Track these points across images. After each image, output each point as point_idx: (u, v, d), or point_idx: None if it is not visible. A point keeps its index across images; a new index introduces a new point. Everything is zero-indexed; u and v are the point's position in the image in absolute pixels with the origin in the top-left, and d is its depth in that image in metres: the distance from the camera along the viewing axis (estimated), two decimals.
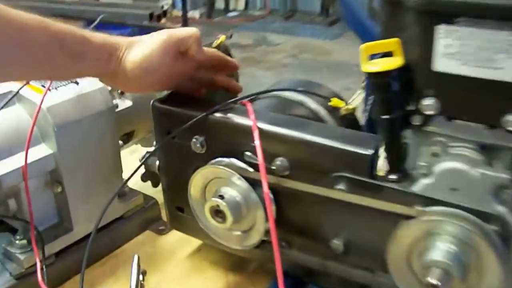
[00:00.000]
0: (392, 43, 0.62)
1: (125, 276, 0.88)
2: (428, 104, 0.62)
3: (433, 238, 0.64)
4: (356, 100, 2.04)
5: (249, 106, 0.77)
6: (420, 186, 0.66)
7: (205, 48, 0.85)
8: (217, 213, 0.77)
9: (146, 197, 1.07)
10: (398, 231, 0.66)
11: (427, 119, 0.64)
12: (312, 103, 0.86)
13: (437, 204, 0.63)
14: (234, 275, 0.93)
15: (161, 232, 1.05)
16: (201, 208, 0.82)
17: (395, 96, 0.63)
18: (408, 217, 0.65)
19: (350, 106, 0.86)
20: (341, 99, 0.89)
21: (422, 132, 0.65)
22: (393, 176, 0.67)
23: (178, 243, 1.02)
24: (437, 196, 0.63)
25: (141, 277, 0.85)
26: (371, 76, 0.63)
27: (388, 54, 0.63)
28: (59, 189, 0.89)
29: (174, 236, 1.03)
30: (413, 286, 0.68)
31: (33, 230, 0.86)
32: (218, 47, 1.14)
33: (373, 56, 0.65)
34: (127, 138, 1.06)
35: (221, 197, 0.77)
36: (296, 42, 5.16)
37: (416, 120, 0.64)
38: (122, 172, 0.98)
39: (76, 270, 0.85)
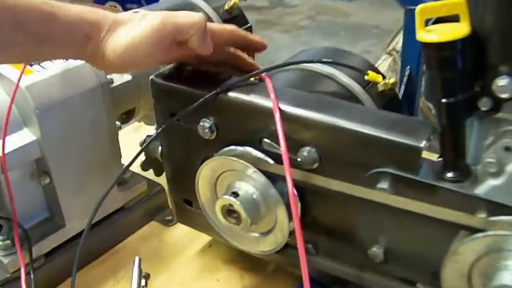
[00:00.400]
0: (458, 4, 0.47)
1: (126, 278, 0.77)
2: (503, 84, 0.47)
3: (503, 256, 0.50)
4: (381, 67, 1.90)
5: (269, 83, 0.63)
6: (486, 188, 0.52)
7: (222, 28, 0.70)
8: (230, 213, 0.64)
9: (151, 184, 0.94)
10: (457, 244, 0.52)
11: (500, 103, 0.49)
12: (344, 77, 0.72)
13: (508, 212, 0.49)
14: (251, 277, 0.81)
15: (168, 223, 0.93)
16: (211, 205, 0.69)
17: (459, 74, 0.49)
18: (470, 228, 0.51)
19: (390, 81, 0.71)
20: (378, 71, 0.74)
21: (492, 119, 0.51)
22: (450, 175, 0.53)
23: (187, 237, 0.89)
24: (509, 201, 0.50)
25: (143, 282, 0.73)
26: (427, 47, 0.48)
27: (450, 19, 0.48)
28: (47, 181, 0.76)
29: (183, 228, 0.90)
30: None
31: (16, 228, 0.74)
32: (231, 9, 1.00)
33: (427, 22, 0.50)
34: (127, 117, 0.93)
35: (235, 194, 0.63)
36: (313, 3, 4.95)
37: (485, 105, 0.50)
38: (121, 157, 0.85)
39: (71, 271, 0.73)
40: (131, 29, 0.61)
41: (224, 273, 0.82)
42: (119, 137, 0.86)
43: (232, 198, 0.63)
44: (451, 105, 0.50)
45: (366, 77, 0.72)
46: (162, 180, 0.92)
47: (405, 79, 1.00)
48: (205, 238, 0.88)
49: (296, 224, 0.57)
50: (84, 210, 0.76)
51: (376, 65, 1.98)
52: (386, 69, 1.80)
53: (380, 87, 0.72)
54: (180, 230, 0.91)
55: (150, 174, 0.94)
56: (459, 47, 0.47)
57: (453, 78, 0.49)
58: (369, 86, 0.72)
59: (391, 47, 1.94)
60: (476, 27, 0.48)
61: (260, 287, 0.79)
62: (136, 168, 0.93)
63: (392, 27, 2.87)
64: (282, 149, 0.58)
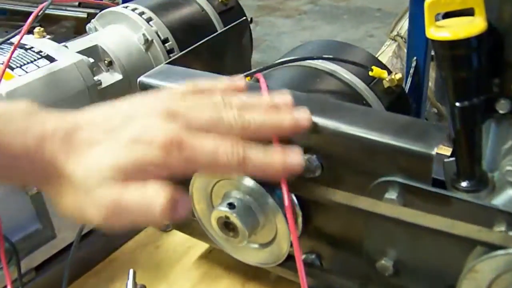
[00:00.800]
0: None
1: None
2: None
3: None
4: (386, 53, 1.84)
5: (263, 83, 0.58)
6: (505, 198, 0.47)
7: (262, 122, 0.49)
8: (226, 225, 0.60)
9: None
10: (474, 261, 0.47)
11: None
12: (347, 74, 0.67)
13: None
14: (254, 285, 0.76)
15: (165, 229, 0.88)
16: (207, 216, 0.65)
17: (475, 75, 0.44)
18: (488, 244, 0.47)
19: (396, 76, 0.66)
20: (383, 66, 0.69)
21: (511, 123, 0.46)
22: (465, 184, 0.48)
23: (185, 244, 0.85)
24: None
25: None
26: (439, 46, 0.43)
27: (464, 13, 0.43)
28: (34, 191, 0.72)
29: (180, 234, 0.86)
30: None
31: (2, 242, 0.69)
32: (226, 0, 0.95)
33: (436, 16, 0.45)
34: None
35: (231, 205, 0.59)
36: None
37: (503, 107, 0.45)
38: None
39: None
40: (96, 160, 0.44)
41: (226, 281, 0.77)
42: None
43: (228, 210, 0.58)
44: (466, 109, 0.45)
45: (370, 73, 0.67)
46: None
47: (411, 70, 0.95)
48: (204, 244, 0.83)
49: (294, 238, 0.52)
50: (75, 220, 0.72)
51: (380, 51, 1.91)
52: (391, 55, 1.74)
53: (386, 84, 0.67)
54: (178, 236, 0.86)
55: None
56: (475, 44, 0.42)
57: (468, 79, 0.44)
58: (373, 82, 0.67)
59: (395, 32, 1.87)
60: (493, 22, 0.42)
61: None
62: None
63: (394, 10, 2.80)
64: None
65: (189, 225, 0.74)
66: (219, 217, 0.59)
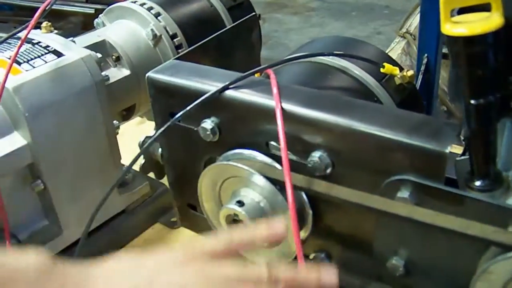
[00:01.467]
0: None
1: None
2: None
3: None
4: (395, 51, 1.82)
5: (273, 78, 0.57)
6: None
7: None
8: (235, 222, 0.59)
9: (154, 184, 0.89)
10: (488, 263, 0.46)
11: None
12: (358, 70, 0.66)
13: None
14: None
15: (173, 226, 0.88)
16: (215, 213, 0.64)
17: (491, 72, 0.42)
18: (502, 244, 0.46)
19: (408, 73, 0.65)
20: (395, 63, 0.68)
21: None
22: (480, 183, 0.47)
23: (193, 241, 0.84)
24: None
25: None
26: (454, 42, 0.42)
27: (480, 8, 0.42)
28: (41, 187, 0.71)
29: (188, 231, 0.86)
30: None
31: (8, 239, 0.69)
32: None
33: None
34: (127, 114, 0.88)
35: (240, 203, 0.58)
36: None
37: None
38: (120, 158, 0.80)
39: None
40: None
41: None
42: (119, 131, 0.81)
43: (237, 208, 0.57)
44: (481, 107, 0.44)
45: (381, 70, 0.66)
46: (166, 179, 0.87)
47: (422, 67, 0.94)
48: None
49: (296, 237, 0.52)
50: (82, 216, 0.72)
51: (389, 48, 1.89)
52: (400, 52, 1.73)
53: (397, 81, 0.66)
54: (186, 233, 0.86)
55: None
56: (491, 40, 0.41)
57: (484, 76, 0.43)
58: (385, 79, 0.66)
59: (404, 29, 1.86)
60: (510, 17, 0.41)
61: None
62: (138, 167, 0.88)
63: (403, 7, 2.78)
64: (282, 147, 0.53)
65: (197, 222, 0.73)
66: (228, 214, 0.58)
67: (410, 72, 0.66)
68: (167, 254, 0.47)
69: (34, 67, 0.69)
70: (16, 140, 0.68)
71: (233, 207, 0.58)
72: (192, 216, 0.73)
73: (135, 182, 0.85)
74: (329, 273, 0.45)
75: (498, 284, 0.47)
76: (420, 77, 0.93)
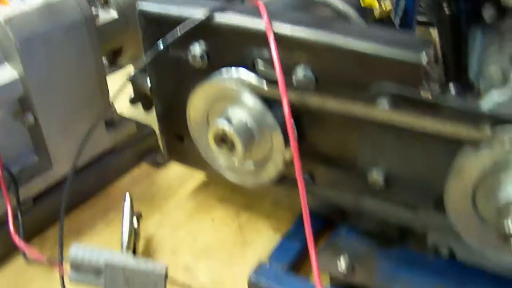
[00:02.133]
0: None
1: (117, 220, 0.74)
2: None
3: (509, 172, 0.48)
4: None
5: (262, 5, 0.60)
6: (490, 101, 0.50)
7: None
8: (223, 141, 0.62)
9: (140, 126, 0.92)
10: (461, 160, 0.50)
11: (505, 13, 0.47)
12: (339, 3, 0.68)
13: None
14: (248, 215, 0.79)
15: (159, 165, 0.90)
16: (203, 136, 0.67)
17: None
18: (474, 142, 0.49)
19: (387, 6, 0.69)
20: None
21: (497, 30, 0.48)
22: (452, 89, 0.51)
23: (179, 178, 0.87)
24: None
25: (135, 221, 0.71)
26: None
27: None
28: (32, 120, 0.73)
29: (175, 169, 0.89)
30: (474, 228, 0.53)
31: (1, 170, 0.71)
32: None
33: None
34: (114, 56, 0.89)
35: (228, 120, 0.61)
36: None
37: (489, 14, 0.47)
38: (108, 95, 0.82)
39: (60, 215, 0.71)
40: None
41: (219, 212, 0.80)
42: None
43: (226, 124, 0.60)
44: (454, 17, 0.47)
45: (362, 4, 0.69)
46: (154, 123, 0.89)
47: (400, 10, 0.96)
48: (198, 179, 0.86)
49: (294, 150, 0.55)
50: (71, 151, 0.73)
51: None
52: None
53: (376, 14, 0.70)
54: (172, 172, 0.89)
55: (140, 117, 0.92)
56: None
57: None
58: (365, 12, 0.69)
59: None
60: None
61: (257, 224, 0.77)
62: (125, 111, 0.91)
63: None
64: (276, 65, 0.56)
65: (184, 154, 0.76)
66: (216, 132, 0.61)
67: (388, 4, 0.69)
68: None
69: (23, 0, 0.70)
70: (7, 72, 0.69)
71: (222, 124, 0.61)
72: (179, 148, 0.76)
73: (122, 122, 0.87)
74: None
75: (470, 182, 0.51)
76: (398, 19, 0.95)
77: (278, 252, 0.68)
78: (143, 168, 0.90)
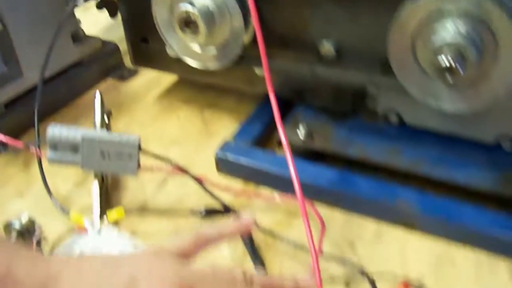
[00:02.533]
0: None
1: (87, 124, 0.78)
2: None
3: (442, 18, 0.54)
4: None
5: None
6: None
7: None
8: (187, 24, 0.67)
9: (106, 43, 0.96)
10: (400, 14, 0.56)
11: None
12: None
13: None
14: (212, 111, 0.84)
15: (124, 79, 0.95)
16: (169, 28, 0.72)
17: None
18: None
19: None
20: None
21: None
22: None
23: (146, 87, 0.92)
24: None
25: (105, 118, 0.75)
26: None
27: None
28: (0, 27, 0.76)
29: (140, 80, 0.94)
30: (418, 80, 0.59)
31: None
32: None
33: None
34: None
35: (191, 3, 0.66)
36: None
37: None
38: (76, 6, 0.85)
39: (31, 122, 0.74)
40: None
41: (185, 111, 0.85)
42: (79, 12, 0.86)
43: (189, 7, 0.65)
44: None
45: None
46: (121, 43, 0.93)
47: None
48: (164, 85, 0.90)
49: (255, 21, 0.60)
50: (41, 60, 0.77)
51: None
52: None
53: None
54: (138, 82, 0.93)
55: (106, 36, 0.96)
56: None
57: None
58: None
59: None
60: None
61: (221, 119, 0.82)
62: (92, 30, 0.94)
63: None
64: None
65: (150, 57, 0.80)
66: (180, 15, 0.66)
67: None
68: (141, 260, 0.43)
69: None
70: None
71: (185, 5, 0.65)
72: (144, 51, 0.80)
73: (88, 38, 0.91)
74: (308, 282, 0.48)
75: (406, 32, 0.56)
76: None
77: (241, 132, 0.74)
78: (110, 82, 0.94)
